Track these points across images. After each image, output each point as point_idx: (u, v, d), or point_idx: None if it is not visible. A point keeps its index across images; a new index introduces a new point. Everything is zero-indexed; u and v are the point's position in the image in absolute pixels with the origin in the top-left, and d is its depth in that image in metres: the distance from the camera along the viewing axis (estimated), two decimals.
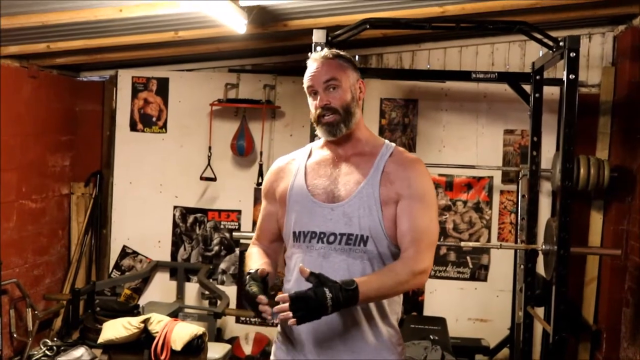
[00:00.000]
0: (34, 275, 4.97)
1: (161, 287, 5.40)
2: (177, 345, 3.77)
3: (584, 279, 4.81)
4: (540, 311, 4.28)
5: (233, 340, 4.98)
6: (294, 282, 2.01)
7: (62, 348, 4.59)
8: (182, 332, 3.83)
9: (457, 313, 5.02)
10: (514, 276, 4.58)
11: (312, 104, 2.02)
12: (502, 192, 5.06)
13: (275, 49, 5.00)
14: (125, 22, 3.85)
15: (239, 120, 5.21)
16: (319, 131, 2.03)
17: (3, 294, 4.53)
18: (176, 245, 5.44)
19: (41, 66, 4.90)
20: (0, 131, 4.43)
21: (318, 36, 3.52)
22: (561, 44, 3.38)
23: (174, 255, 5.43)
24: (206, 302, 5.00)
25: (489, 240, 5.03)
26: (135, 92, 5.44)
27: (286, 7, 3.76)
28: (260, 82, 5.27)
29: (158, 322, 3.89)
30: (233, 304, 5.12)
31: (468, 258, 5.10)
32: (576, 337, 4.80)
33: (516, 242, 4.66)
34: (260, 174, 5.06)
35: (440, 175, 5.08)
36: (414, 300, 5.10)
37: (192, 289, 5.37)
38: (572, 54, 3.32)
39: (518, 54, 5.01)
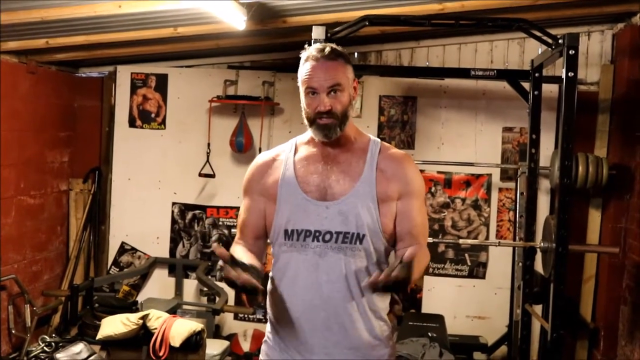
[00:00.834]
0: (32, 271, 4.96)
1: (160, 284, 5.40)
2: (176, 342, 3.78)
3: (582, 276, 4.81)
4: (538, 309, 4.29)
5: (231, 337, 4.99)
6: (288, 281, 2.00)
7: (61, 344, 4.58)
8: (181, 329, 3.84)
9: (455, 310, 5.03)
10: (512, 274, 4.59)
11: (309, 103, 1.96)
12: (500, 189, 5.05)
13: (275, 45, 5.00)
14: (125, 18, 3.85)
15: (238, 116, 5.21)
16: (312, 131, 2.00)
17: (1, 290, 4.54)
18: (175, 241, 5.43)
19: (40, 62, 4.89)
20: None
21: (317, 33, 3.53)
22: (560, 41, 3.39)
23: (172, 251, 5.43)
24: (205, 299, 5.01)
25: (487, 238, 5.03)
26: (134, 89, 5.43)
27: (285, 4, 3.76)
28: (259, 78, 5.26)
29: (157, 319, 3.90)
30: (231, 301, 5.12)
31: (466, 255, 5.09)
32: (574, 335, 4.81)
33: (514, 239, 4.67)
34: None
35: (438, 172, 5.08)
36: (412, 297, 5.10)
37: (190, 285, 5.37)
38: (571, 52, 3.32)
39: (517, 51, 5.01)
